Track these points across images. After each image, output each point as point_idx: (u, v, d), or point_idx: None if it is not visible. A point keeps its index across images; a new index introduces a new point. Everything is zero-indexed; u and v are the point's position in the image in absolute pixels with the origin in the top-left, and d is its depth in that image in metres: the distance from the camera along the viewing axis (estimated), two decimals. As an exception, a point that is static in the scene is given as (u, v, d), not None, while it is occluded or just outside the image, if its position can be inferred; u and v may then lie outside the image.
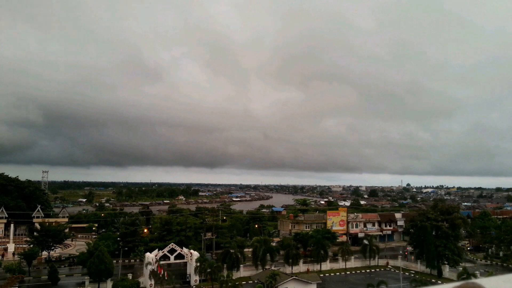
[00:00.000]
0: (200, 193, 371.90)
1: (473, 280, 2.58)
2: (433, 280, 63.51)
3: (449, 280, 63.13)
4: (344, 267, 72.75)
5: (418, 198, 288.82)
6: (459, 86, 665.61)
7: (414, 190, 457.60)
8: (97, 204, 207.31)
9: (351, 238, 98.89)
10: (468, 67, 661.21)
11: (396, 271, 66.65)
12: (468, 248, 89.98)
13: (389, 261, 75.87)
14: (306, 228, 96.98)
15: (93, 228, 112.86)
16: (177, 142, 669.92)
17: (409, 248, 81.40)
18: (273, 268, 64.67)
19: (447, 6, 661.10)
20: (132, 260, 77.34)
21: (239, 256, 66.84)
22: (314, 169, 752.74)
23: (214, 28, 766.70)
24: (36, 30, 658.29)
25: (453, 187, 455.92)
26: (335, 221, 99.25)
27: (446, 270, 67.46)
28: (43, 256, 76.54)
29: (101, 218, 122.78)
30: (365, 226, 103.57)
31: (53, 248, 77.51)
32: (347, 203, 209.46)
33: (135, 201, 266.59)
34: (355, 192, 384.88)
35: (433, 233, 69.06)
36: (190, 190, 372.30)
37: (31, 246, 72.74)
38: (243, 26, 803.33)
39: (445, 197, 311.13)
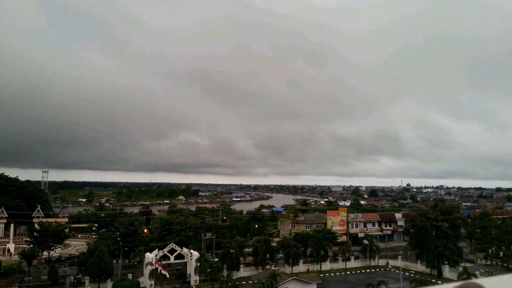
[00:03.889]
0: (200, 193, 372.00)
1: (473, 280, 2.57)
2: (433, 280, 63.49)
3: (449, 280, 63.14)
4: (344, 267, 72.75)
5: (418, 198, 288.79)
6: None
7: (414, 190, 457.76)
8: (97, 204, 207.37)
9: (351, 238, 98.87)
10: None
11: (396, 271, 66.67)
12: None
13: (389, 261, 75.87)
14: (306, 228, 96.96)
15: (93, 228, 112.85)
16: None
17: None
18: (273, 268, 64.68)
19: None
20: (132, 260, 77.30)
21: (239, 256, 66.84)
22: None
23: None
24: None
25: (453, 187, 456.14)
26: (335, 221, 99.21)
27: (446, 270, 67.44)
28: (43, 256, 76.51)
29: (101, 218, 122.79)
30: (365, 226, 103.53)
31: (53, 248, 77.51)
32: (347, 203, 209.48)
33: (135, 201, 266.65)
34: (355, 192, 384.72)
35: (433, 233, 69.03)
36: (190, 190, 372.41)
37: (31, 246, 72.73)
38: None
39: (445, 197, 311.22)
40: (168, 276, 56.06)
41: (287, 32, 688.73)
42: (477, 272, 63.12)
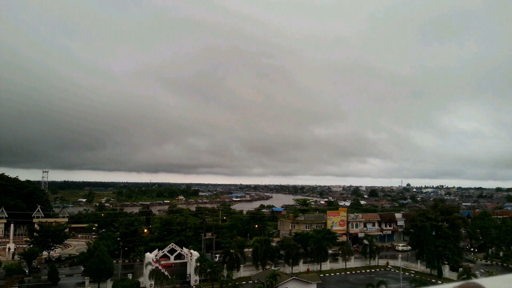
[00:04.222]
0: (200, 193, 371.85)
1: (473, 280, 2.57)
2: (433, 280, 63.50)
3: (449, 280, 63.13)
4: (344, 267, 72.73)
5: (418, 198, 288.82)
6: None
7: (414, 190, 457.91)
8: (97, 204, 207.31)
9: (351, 238, 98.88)
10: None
11: (396, 271, 66.65)
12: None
13: (389, 261, 75.86)
14: (306, 228, 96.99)
15: (93, 228, 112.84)
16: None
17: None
18: (273, 268, 64.66)
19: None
20: (132, 260, 77.26)
21: (239, 256, 66.80)
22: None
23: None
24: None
25: (453, 187, 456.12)
26: (335, 221, 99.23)
27: (446, 270, 67.44)
28: (43, 256, 76.49)
29: (101, 218, 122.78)
30: (365, 226, 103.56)
31: (53, 248, 77.50)
32: (347, 203, 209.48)
33: (135, 201, 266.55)
34: (355, 192, 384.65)
35: (433, 233, 69.04)
36: (190, 190, 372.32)
37: (31, 246, 72.71)
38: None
39: (445, 197, 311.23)
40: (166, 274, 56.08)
41: (254, 38, 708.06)
42: (477, 272, 63.14)
